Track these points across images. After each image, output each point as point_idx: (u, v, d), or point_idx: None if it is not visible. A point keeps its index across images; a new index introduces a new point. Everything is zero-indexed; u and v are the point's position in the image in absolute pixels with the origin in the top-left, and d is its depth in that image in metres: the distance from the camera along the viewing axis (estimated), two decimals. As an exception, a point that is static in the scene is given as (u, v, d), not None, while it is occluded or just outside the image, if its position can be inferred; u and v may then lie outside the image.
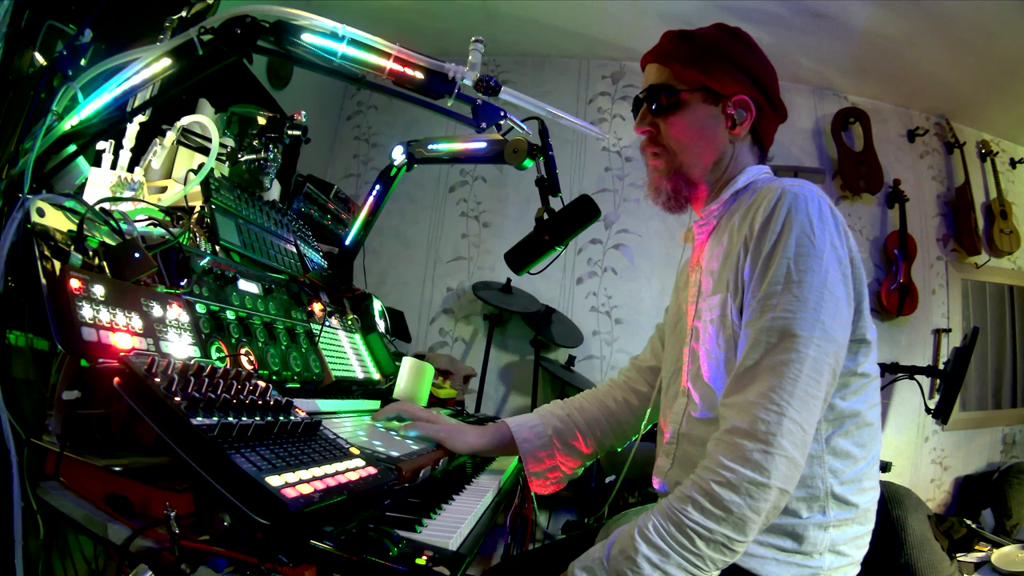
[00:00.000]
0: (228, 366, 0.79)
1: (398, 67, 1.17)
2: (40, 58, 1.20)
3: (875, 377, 0.96)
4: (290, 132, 1.52)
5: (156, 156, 1.35)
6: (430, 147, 1.62)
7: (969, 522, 2.72)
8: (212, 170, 1.25)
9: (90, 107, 1.11)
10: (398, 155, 1.67)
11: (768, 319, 0.85)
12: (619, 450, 1.31)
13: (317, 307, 1.36)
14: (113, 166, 1.24)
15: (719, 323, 0.96)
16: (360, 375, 1.47)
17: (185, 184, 1.27)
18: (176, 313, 0.90)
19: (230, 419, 0.69)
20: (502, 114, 1.28)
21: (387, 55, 1.16)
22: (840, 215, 0.93)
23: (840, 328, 0.86)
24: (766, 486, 0.78)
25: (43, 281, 0.77)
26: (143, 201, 1.16)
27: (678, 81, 1.05)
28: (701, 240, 1.10)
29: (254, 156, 1.49)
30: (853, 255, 0.92)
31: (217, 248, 1.20)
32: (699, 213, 1.10)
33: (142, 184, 1.26)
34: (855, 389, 0.93)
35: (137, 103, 1.23)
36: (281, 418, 0.76)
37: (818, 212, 0.89)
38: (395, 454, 0.99)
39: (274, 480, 0.64)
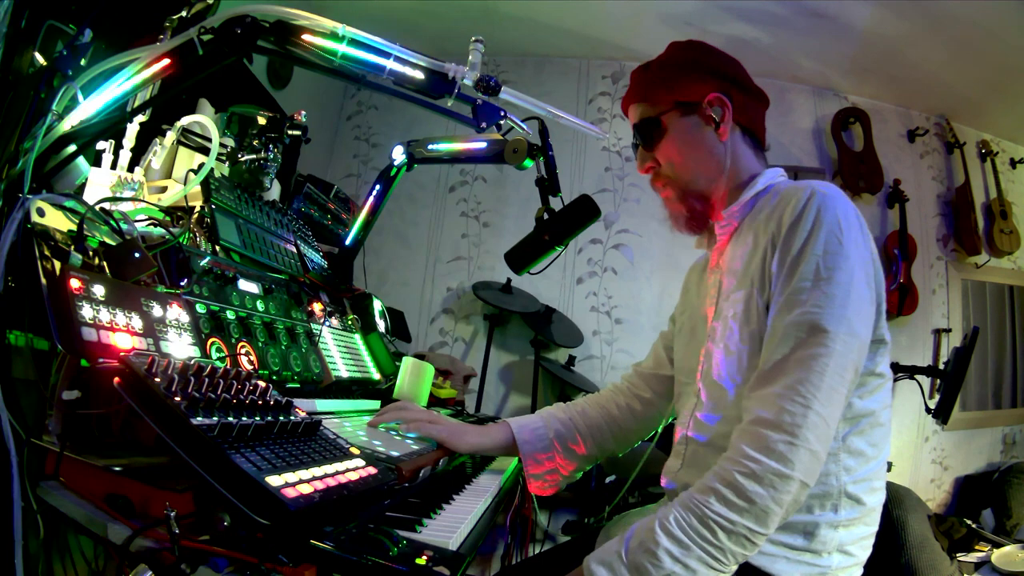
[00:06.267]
0: (228, 366, 0.79)
1: (398, 67, 1.17)
2: (40, 58, 1.19)
3: (889, 378, 0.97)
4: (290, 132, 1.52)
5: (156, 156, 1.35)
6: (430, 147, 1.62)
7: (969, 522, 2.72)
8: (212, 170, 1.25)
9: (90, 107, 1.11)
10: (398, 155, 1.67)
11: (797, 314, 0.86)
12: (620, 456, 1.31)
13: (317, 307, 1.36)
14: (113, 166, 1.23)
15: (743, 318, 0.96)
16: (360, 375, 1.46)
17: (185, 184, 1.26)
18: (176, 313, 0.90)
19: (230, 419, 0.69)
20: (502, 114, 1.27)
21: (387, 55, 1.16)
22: (862, 218, 0.94)
23: (864, 326, 0.88)
24: (789, 478, 0.78)
25: (43, 281, 0.77)
26: (143, 201, 1.15)
27: (654, 109, 1.07)
28: (722, 241, 1.09)
29: (254, 156, 1.49)
30: (873, 256, 0.93)
31: (217, 248, 1.20)
32: (720, 216, 1.09)
33: (142, 184, 1.26)
34: (871, 389, 0.94)
35: (137, 103, 1.23)
36: (281, 418, 0.76)
37: (844, 213, 0.90)
38: (395, 454, 0.99)
39: (274, 480, 0.64)
